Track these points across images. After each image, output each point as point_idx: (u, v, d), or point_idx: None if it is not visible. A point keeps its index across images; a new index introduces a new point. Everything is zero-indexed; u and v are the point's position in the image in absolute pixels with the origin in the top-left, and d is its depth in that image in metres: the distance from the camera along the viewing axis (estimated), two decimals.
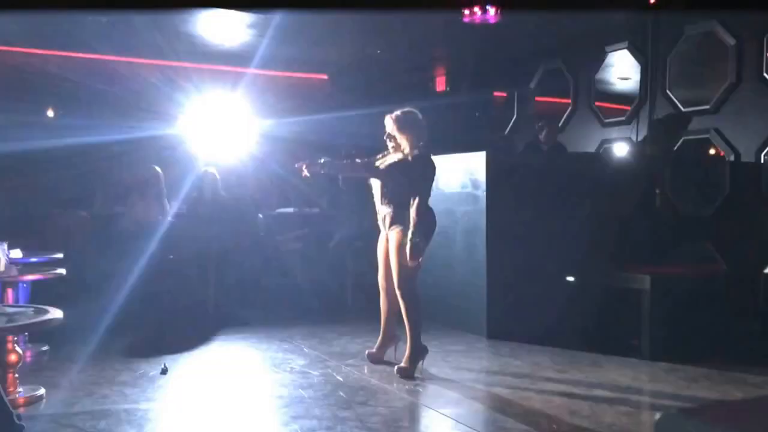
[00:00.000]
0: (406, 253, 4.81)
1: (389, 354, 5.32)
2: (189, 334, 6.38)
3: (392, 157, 5.01)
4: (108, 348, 5.62)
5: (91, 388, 4.59)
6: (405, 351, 5.01)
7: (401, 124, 4.92)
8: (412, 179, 4.88)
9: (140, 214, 7.67)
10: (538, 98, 8.80)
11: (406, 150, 4.93)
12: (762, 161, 6.09)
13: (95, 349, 5.57)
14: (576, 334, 6.05)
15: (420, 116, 4.98)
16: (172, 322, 6.76)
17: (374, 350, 5.30)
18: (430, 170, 4.96)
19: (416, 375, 4.94)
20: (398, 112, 4.95)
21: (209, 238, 7.48)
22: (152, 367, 5.09)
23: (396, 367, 4.95)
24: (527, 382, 4.83)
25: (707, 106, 6.58)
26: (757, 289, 5.96)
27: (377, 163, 5.07)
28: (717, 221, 6.37)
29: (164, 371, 4.97)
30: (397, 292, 4.96)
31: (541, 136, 7.19)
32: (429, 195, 4.94)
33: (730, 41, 6.36)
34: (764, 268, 5.96)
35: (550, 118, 7.79)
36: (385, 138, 5.02)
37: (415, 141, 4.91)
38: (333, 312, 7.56)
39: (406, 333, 5.00)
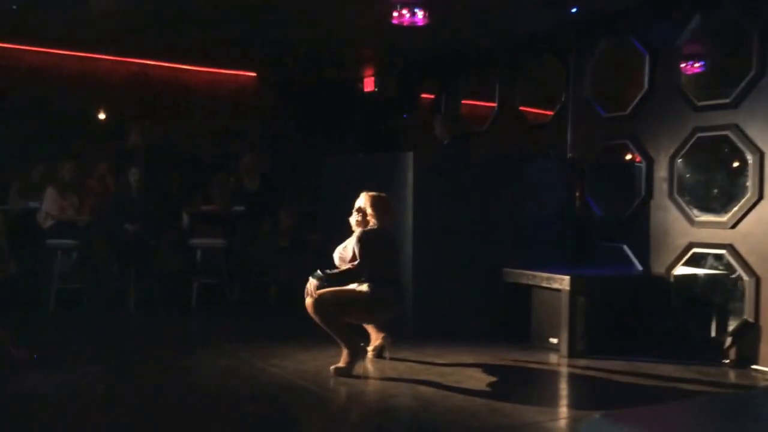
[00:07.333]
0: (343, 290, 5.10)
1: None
2: (107, 334, 6.22)
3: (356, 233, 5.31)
4: None
5: None
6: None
7: (374, 203, 5.30)
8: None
9: (58, 209, 7.42)
10: (464, 101, 8.93)
11: (370, 225, 5.30)
12: (674, 166, 6.34)
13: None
14: (499, 332, 6.21)
15: (391, 202, 5.48)
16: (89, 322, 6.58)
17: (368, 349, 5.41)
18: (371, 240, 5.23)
19: (354, 374, 4.96)
20: (375, 194, 5.35)
21: (131, 234, 7.33)
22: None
23: (332, 367, 4.99)
24: (451, 380, 4.90)
25: (625, 113, 6.80)
26: (669, 289, 6.22)
27: (345, 249, 5.33)
28: (632, 224, 6.61)
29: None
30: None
31: (436, 131, 7.24)
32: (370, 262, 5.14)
33: (644, 51, 6.60)
34: (674, 269, 6.21)
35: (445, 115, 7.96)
36: (354, 210, 5.34)
37: (380, 219, 5.30)
38: (257, 311, 7.51)
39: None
